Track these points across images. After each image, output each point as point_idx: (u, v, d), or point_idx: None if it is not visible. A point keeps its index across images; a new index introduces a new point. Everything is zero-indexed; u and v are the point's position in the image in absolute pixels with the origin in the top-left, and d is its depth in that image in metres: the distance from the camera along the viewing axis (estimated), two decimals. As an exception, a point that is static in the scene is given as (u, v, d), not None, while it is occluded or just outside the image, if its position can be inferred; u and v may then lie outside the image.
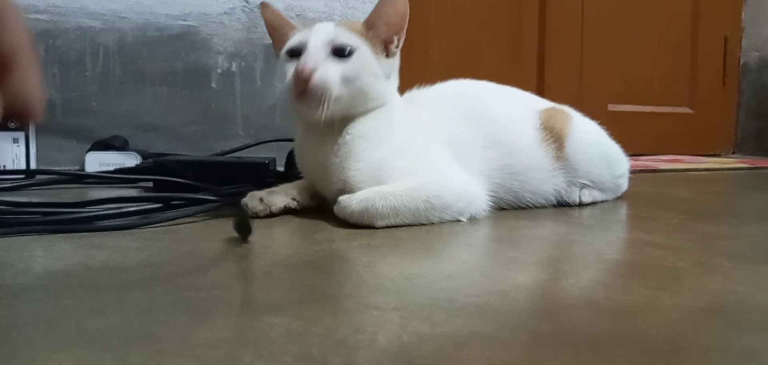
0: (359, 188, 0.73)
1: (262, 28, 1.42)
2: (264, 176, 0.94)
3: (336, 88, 0.72)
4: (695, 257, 0.58)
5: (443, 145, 0.80)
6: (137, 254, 0.57)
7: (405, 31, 0.78)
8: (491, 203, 0.81)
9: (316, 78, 0.70)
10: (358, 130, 0.76)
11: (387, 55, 0.78)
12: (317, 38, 0.73)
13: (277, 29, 0.80)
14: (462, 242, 0.67)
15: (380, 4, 0.76)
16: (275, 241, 0.64)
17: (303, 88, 0.71)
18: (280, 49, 0.78)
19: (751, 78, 2.18)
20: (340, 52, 0.73)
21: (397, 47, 0.78)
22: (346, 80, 0.73)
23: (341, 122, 0.75)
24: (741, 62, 2.19)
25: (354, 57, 0.73)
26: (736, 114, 2.21)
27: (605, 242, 0.68)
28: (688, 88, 2.11)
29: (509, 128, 0.85)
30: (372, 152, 0.75)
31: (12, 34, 0.31)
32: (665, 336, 0.37)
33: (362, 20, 0.78)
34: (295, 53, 0.74)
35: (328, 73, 0.71)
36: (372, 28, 0.76)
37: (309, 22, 0.82)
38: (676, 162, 1.77)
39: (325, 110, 0.71)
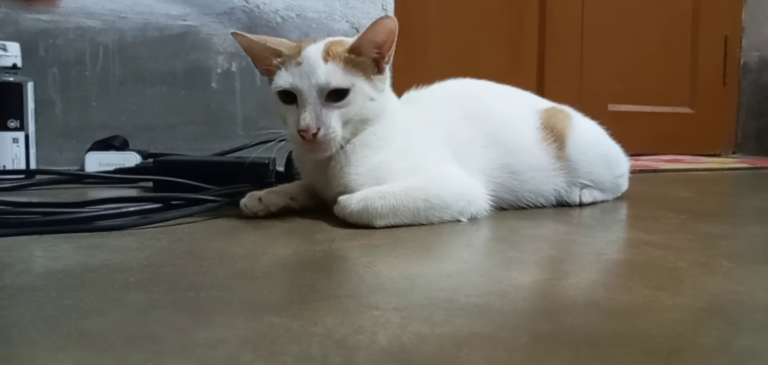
0: (359, 190, 0.73)
1: (263, 28, 1.43)
2: (264, 176, 0.94)
3: (340, 134, 0.72)
4: (695, 258, 0.58)
5: (443, 144, 0.80)
6: (137, 254, 0.57)
7: (394, 45, 0.75)
8: (492, 203, 0.81)
9: (321, 136, 0.71)
10: (358, 139, 0.76)
11: (379, 71, 0.76)
12: (310, 87, 0.71)
13: (256, 55, 0.76)
14: (462, 242, 0.67)
15: (367, 30, 0.72)
16: (275, 241, 0.64)
17: (309, 145, 0.72)
18: (263, 68, 0.76)
19: (751, 78, 2.18)
20: (336, 96, 0.72)
21: (387, 63, 0.76)
22: (347, 122, 0.73)
23: None
24: (741, 62, 2.19)
25: (350, 97, 0.72)
26: (736, 114, 2.21)
27: (605, 243, 0.68)
28: (689, 89, 2.11)
29: (509, 126, 0.85)
30: (372, 157, 0.75)
31: None
32: (665, 336, 0.37)
33: (344, 40, 0.75)
34: (288, 96, 0.73)
35: (330, 125, 0.71)
36: (361, 54, 0.73)
37: (291, 40, 0.78)
38: (677, 162, 1.77)
39: (331, 150, 0.73)
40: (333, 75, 0.71)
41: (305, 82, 0.71)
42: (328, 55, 0.72)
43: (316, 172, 0.78)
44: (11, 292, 0.45)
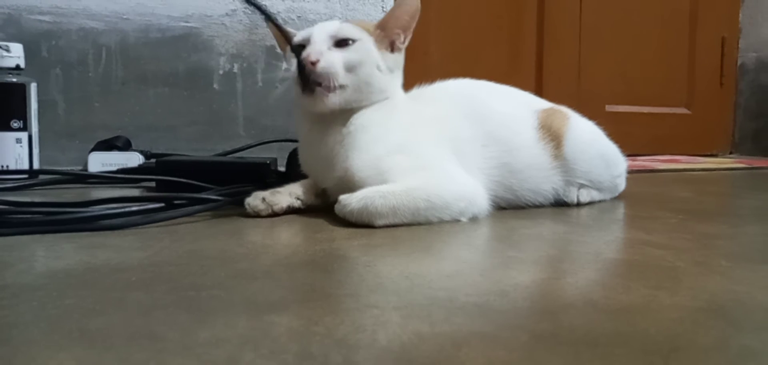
0: (359, 178, 0.74)
1: (264, 30, 1.43)
2: (265, 176, 0.95)
3: (341, 74, 0.74)
4: (694, 257, 0.58)
5: (444, 142, 0.80)
6: (139, 253, 0.57)
7: (412, 29, 0.80)
8: (491, 202, 0.81)
9: (321, 66, 0.73)
10: (361, 121, 0.77)
11: (392, 51, 0.80)
12: (321, 31, 0.76)
13: (285, 37, 0.82)
14: (462, 242, 0.68)
15: (393, 7, 0.79)
16: (276, 241, 0.65)
17: (308, 77, 0.73)
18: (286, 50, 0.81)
19: (748, 79, 2.19)
20: (342, 44, 0.76)
21: (403, 43, 0.81)
22: (349, 67, 0.75)
23: (345, 114, 0.76)
24: (738, 63, 2.19)
25: (355, 46, 0.76)
26: (733, 115, 2.21)
27: (604, 242, 0.69)
28: (686, 89, 2.11)
29: (508, 125, 0.86)
30: (375, 145, 0.76)
31: None
32: (664, 336, 0.37)
33: (366, 21, 0.80)
34: (301, 49, 0.76)
35: (331, 60, 0.74)
36: (382, 30, 0.79)
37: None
38: (674, 162, 1.78)
39: (330, 99, 0.74)
40: (344, 26, 0.77)
41: (316, 30, 0.76)
42: (345, 21, 0.79)
43: (319, 158, 0.79)
44: (13, 291, 0.45)
